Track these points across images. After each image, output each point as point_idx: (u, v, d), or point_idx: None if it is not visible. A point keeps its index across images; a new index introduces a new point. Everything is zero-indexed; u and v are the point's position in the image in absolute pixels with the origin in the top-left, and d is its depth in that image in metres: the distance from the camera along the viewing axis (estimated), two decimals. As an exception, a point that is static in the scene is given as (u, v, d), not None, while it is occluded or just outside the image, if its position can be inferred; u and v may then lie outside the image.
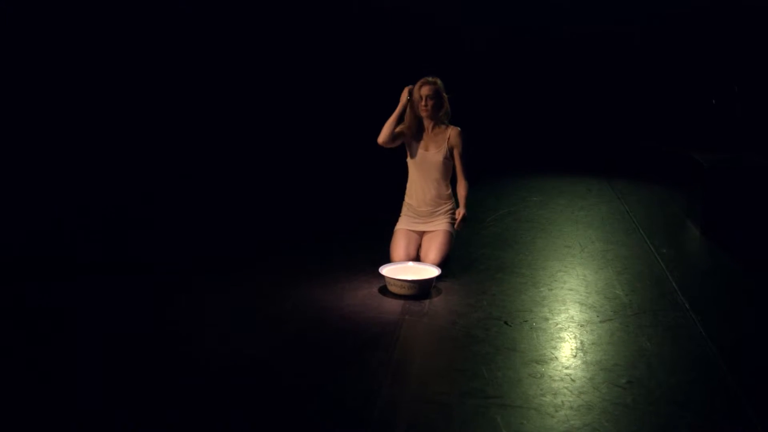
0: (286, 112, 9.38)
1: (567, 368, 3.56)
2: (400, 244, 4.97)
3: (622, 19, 9.98)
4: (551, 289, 4.66)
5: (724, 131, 8.53)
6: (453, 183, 5.10)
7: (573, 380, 3.43)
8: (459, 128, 5.02)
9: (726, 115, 8.96)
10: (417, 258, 4.94)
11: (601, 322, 4.15)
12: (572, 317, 4.21)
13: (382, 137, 4.95)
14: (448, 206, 5.05)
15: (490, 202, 6.91)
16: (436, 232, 4.98)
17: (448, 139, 4.98)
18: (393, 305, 4.35)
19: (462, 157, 5.01)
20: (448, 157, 5.00)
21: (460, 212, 4.98)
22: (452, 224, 5.02)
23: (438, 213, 5.03)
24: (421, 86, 4.95)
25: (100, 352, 3.73)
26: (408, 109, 4.99)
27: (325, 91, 9.53)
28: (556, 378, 3.45)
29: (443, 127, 5.02)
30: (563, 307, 4.36)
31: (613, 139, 9.97)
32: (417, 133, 5.02)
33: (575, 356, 3.69)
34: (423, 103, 4.93)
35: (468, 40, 10.26)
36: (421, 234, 5.05)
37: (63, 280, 4.70)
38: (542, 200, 7.10)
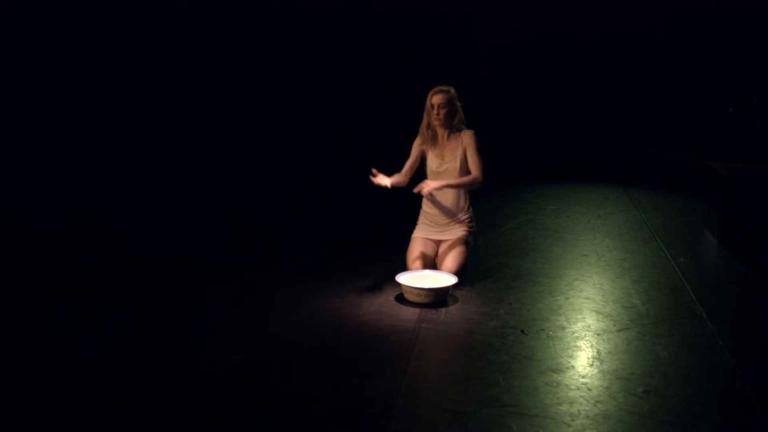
0: (302, 120, 9.43)
1: (583, 377, 3.56)
2: (416, 251, 4.97)
3: (640, 27, 9.98)
4: (568, 298, 4.67)
5: (742, 140, 8.51)
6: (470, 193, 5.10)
7: (589, 389, 3.44)
8: (472, 130, 4.99)
9: (743, 124, 8.93)
10: (434, 266, 4.95)
11: (617, 331, 4.15)
12: (589, 326, 4.21)
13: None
14: (466, 216, 5.05)
15: (506, 211, 6.91)
16: (453, 240, 4.98)
17: (462, 143, 4.95)
18: (409, 313, 4.37)
19: (476, 152, 4.91)
20: (465, 163, 4.95)
21: (429, 184, 4.83)
22: (470, 233, 5.03)
23: (455, 222, 5.03)
24: (432, 95, 4.93)
25: (109, 362, 3.73)
26: (423, 119, 4.99)
27: (342, 99, 9.58)
28: (573, 387, 3.46)
29: (457, 134, 4.99)
30: (580, 316, 4.36)
31: (629, 147, 9.97)
32: (432, 141, 5.00)
33: (592, 365, 3.70)
34: (435, 112, 4.91)
35: (484, 48, 10.29)
36: (438, 242, 5.05)
37: (70, 291, 4.71)
38: (559, 208, 7.10)
